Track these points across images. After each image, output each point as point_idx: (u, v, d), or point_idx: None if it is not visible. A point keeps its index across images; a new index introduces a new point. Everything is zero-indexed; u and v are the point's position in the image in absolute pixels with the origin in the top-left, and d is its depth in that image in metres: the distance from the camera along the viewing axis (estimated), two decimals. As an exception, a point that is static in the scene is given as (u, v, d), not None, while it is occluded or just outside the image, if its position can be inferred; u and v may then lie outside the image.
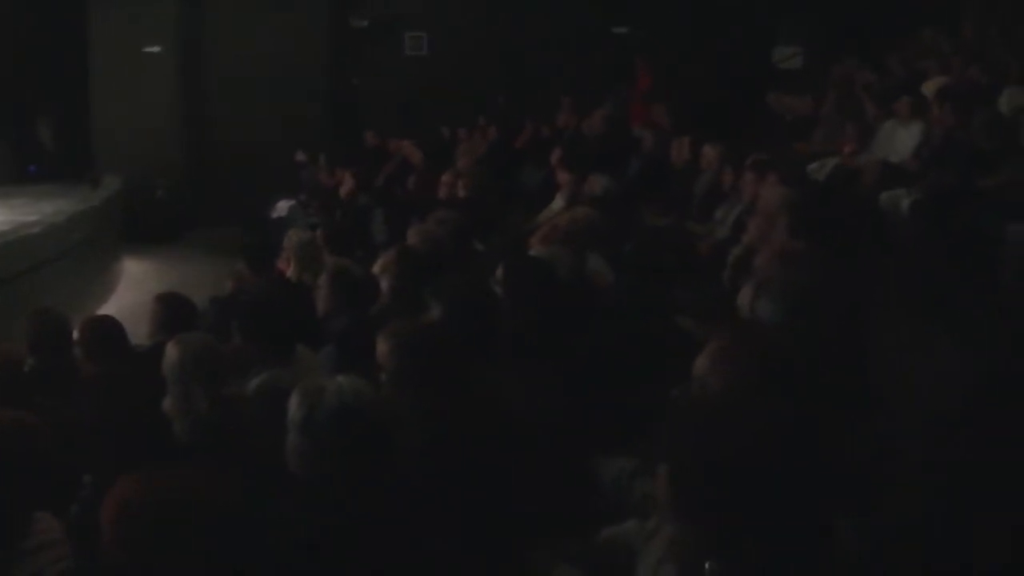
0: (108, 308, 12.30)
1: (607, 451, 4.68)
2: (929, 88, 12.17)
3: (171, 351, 5.26)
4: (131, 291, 13.93)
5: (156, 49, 18.20)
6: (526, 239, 8.18)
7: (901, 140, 10.97)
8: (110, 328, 6.66)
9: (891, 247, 8.36)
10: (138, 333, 7.04)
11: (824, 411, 3.22)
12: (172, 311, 6.76)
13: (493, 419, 4.39)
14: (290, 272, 8.66)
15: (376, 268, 6.89)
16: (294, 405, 3.82)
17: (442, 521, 3.79)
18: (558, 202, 10.20)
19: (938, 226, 8.72)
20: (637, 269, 7.34)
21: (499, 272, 5.92)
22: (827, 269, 4.93)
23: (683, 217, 9.86)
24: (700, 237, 8.91)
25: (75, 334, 6.63)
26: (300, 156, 16.57)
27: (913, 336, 5.21)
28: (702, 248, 8.47)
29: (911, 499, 3.56)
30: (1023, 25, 13.54)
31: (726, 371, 3.17)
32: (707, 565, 2.66)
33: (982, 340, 5.67)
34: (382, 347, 4.55)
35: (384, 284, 6.71)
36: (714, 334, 3.42)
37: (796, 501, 2.70)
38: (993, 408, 4.52)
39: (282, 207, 14.80)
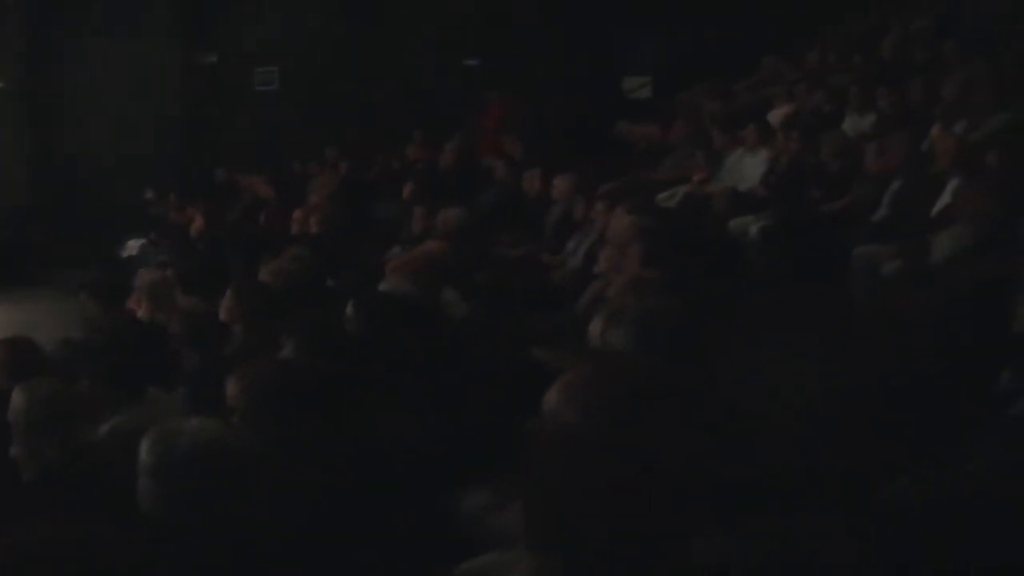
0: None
1: (465, 484, 4.66)
2: (775, 116, 12.40)
3: (17, 397, 5.14)
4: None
5: (1, 85, 17.87)
6: (380, 274, 8.15)
7: (749, 167, 11.14)
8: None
9: (742, 272, 8.48)
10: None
11: (679, 436, 3.24)
12: (17, 356, 6.60)
13: (348, 455, 4.35)
14: (142, 312, 8.52)
15: (221, 308, 6.82)
16: (145, 449, 3.74)
17: (305, 559, 3.75)
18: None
19: (786, 251, 8.87)
20: (490, 301, 7.35)
21: (349, 308, 5.88)
22: (679, 297, 4.97)
23: (536, 248, 9.90)
24: (552, 267, 8.96)
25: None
26: (150, 194, 16.36)
27: (765, 358, 5.27)
28: (555, 278, 8.51)
29: (775, 513, 3.59)
30: (861, 52, 13.83)
31: (578, 404, 3.16)
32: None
33: (833, 359, 5.76)
34: (232, 388, 4.49)
35: (232, 323, 6.64)
36: (564, 366, 3.42)
37: (655, 528, 2.71)
38: (846, 421, 4.60)
39: (133, 246, 14.59)
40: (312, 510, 4.03)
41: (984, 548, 3.41)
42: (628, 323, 4.10)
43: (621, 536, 2.65)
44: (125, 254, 14.42)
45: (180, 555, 3.57)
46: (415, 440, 4.88)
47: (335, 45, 18.41)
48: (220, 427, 3.78)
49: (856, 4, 16.37)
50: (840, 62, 14.21)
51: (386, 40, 18.13)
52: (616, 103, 16.78)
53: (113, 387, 5.63)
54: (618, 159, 13.08)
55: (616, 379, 3.27)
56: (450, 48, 18.35)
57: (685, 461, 3.03)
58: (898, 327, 7.05)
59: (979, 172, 8.28)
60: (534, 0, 17.96)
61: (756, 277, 8.48)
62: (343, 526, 4.09)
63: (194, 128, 18.68)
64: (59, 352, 8.24)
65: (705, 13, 17.00)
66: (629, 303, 4.49)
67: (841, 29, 15.81)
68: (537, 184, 11.31)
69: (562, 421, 3.19)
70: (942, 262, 7.40)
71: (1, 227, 17.51)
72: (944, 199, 8.35)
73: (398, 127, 16.42)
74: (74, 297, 12.52)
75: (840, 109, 12.09)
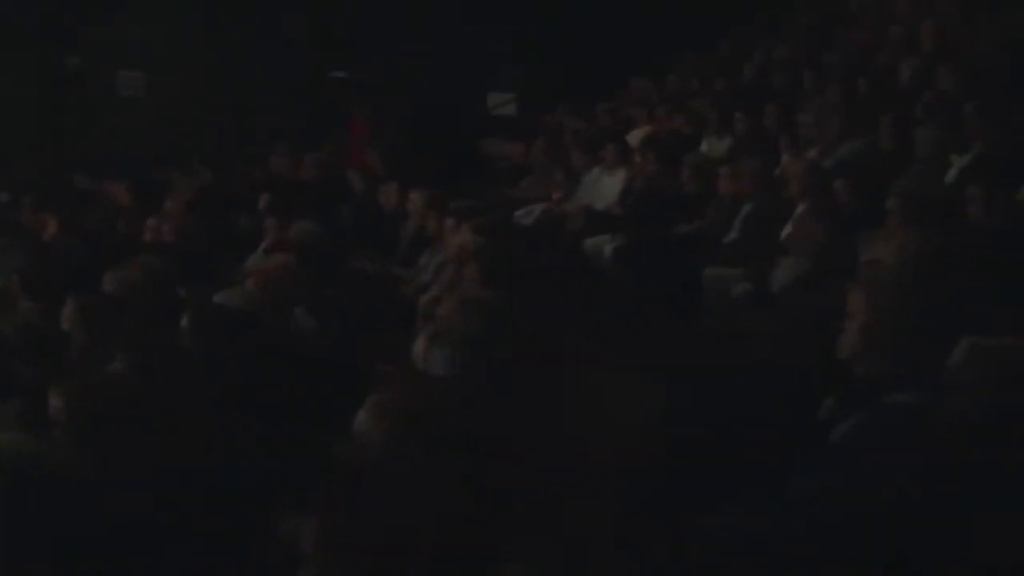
0: None
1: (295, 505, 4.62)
2: (635, 136, 12.52)
3: None
4: None
5: None
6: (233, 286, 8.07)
7: (606, 187, 11.23)
8: None
9: (594, 292, 8.53)
10: None
11: (482, 462, 3.24)
12: None
13: (170, 474, 4.30)
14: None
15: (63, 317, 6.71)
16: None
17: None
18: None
19: (639, 271, 8.93)
20: (341, 316, 7.31)
21: (185, 321, 5.81)
22: (510, 318, 4.97)
23: (390, 263, 9.88)
24: (405, 283, 8.95)
25: None
26: (3, 197, 16.04)
27: (614, 379, 5.29)
28: (406, 294, 8.49)
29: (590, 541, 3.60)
30: (722, 78, 14.00)
31: (384, 426, 3.15)
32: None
33: (683, 380, 5.81)
34: (54, 401, 4.41)
35: (73, 333, 6.53)
36: (375, 387, 3.41)
37: (460, 554, 2.71)
38: (692, 441, 4.65)
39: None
40: (128, 528, 3.98)
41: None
42: (450, 344, 4.10)
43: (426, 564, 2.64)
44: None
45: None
46: (250, 458, 4.83)
47: (201, 52, 18.21)
48: (30, 442, 3.72)
49: (722, 31, 16.55)
50: (702, 86, 14.38)
51: (253, 50, 17.99)
52: (481, 120, 16.82)
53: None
54: (481, 176, 13.12)
55: (422, 403, 3.26)
56: (318, 59, 18.26)
57: (490, 489, 3.03)
58: (740, 351, 7.15)
59: (819, 201, 8.43)
60: (402, 13, 17.91)
61: (608, 296, 8.54)
62: (162, 544, 4.04)
63: (55, 132, 18.37)
64: None
65: (574, 33, 17.08)
66: (455, 323, 4.49)
67: (706, 55, 15.99)
68: (394, 199, 11.30)
69: (369, 443, 3.18)
70: (781, 289, 7.53)
71: None
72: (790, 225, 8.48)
73: (263, 137, 16.28)
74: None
75: (699, 132, 12.23)
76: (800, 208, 8.48)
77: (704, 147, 11.76)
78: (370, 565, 2.66)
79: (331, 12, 17.99)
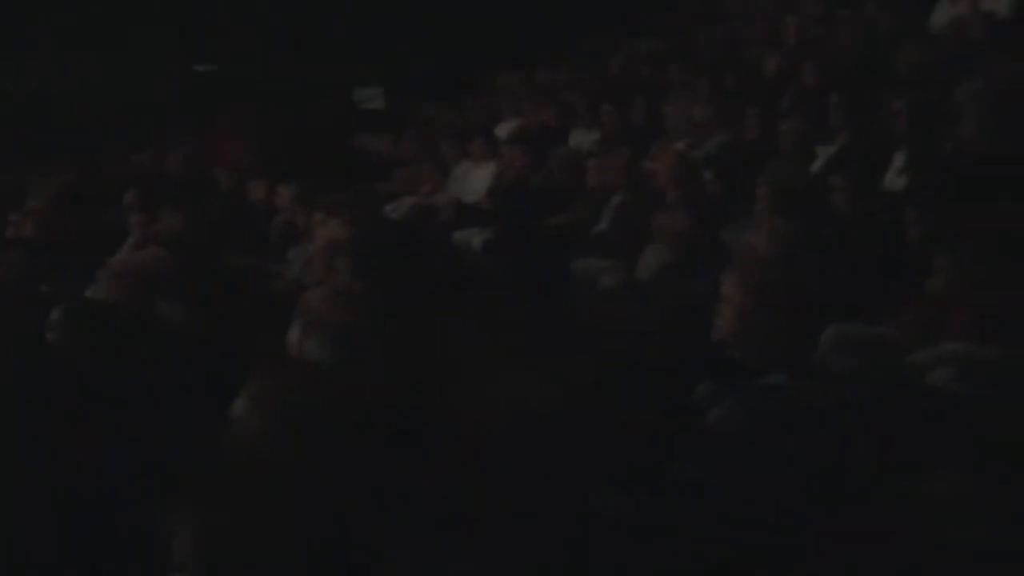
0: None
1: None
2: (503, 130, 12.56)
3: None
4: None
5: None
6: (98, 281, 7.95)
7: (475, 180, 11.25)
8: None
9: (464, 284, 8.54)
10: None
11: (367, 450, 3.22)
12: None
13: (36, 473, 4.22)
14: None
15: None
16: None
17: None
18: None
19: (509, 263, 8.97)
20: (211, 311, 7.23)
21: (51, 318, 5.69)
22: (383, 309, 4.96)
23: (260, 258, 9.79)
24: (275, 277, 8.86)
25: None
26: None
27: (488, 368, 5.31)
28: (277, 288, 8.41)
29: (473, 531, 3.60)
30: (590, 71, 14.09)
31: (262, 413, 3.13)
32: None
33: (555, 368, 5.84)
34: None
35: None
36: (251, 377, 3.38)
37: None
38: (554, 434, 4.68)
39: None
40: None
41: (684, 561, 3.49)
42: (325, 334, 4.08)
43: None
44: None
45: None
46: (116, 456, 4.75)
47: (66, 49, 17.92)
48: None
49: (591, 26, 16.65)
50: (570, 80, 14.45)
51: (121, 41, 17.74)
52: (350, 114, 16.76)
53: None
54: (351, 170, 13.06)
55: (300, 389, 3.24)
56: (185, 52, 18.06)
57: (374, 477, 3.01)
58: (611, 341, 7.20)
59: (687, 191, 8.53)
60: (269, 8, 17.79)
61: (478, 288, 8.55)
62: (36, 545, 3.98)
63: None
64: None
65: (442, 27, 17.10)
66: (330, 313, 4.48)
67: (576, 49, 16.08)
68: (262, 194, 11.23)
69: (248, 430, 3.15)
70: (650, 278, 7.59)
71: None
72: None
73: (130, 132, 16.07)
74: None
75: (567, 126, 12.29)
76: (669, 199, 8.56)
77: (573, 140, 11.82)
78: (252, 562, 2.63)
79: (197, 6, 17.79)
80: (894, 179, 8.11)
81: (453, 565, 3.21)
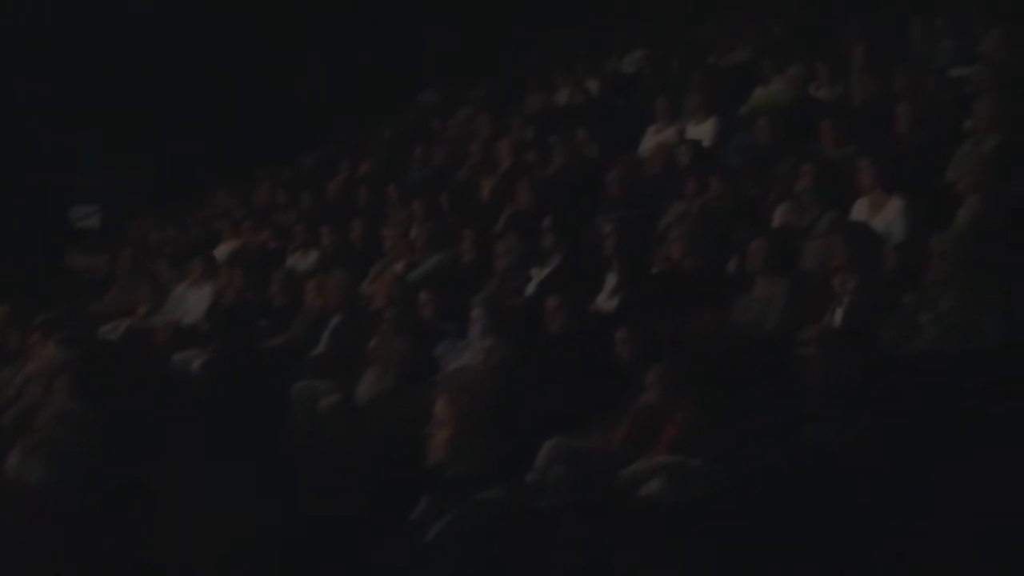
0: None
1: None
2: (221, 251, 12.53)
3: None
4: None
5: None
6: None
7: (194, 301, 11.17)
8: None
9: (181, 405, 8.50)
10: None
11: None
12: None
13: None
14: None
15: None
16: None
17: None
18: None
19: (227, 385, 8.96)
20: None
21: None
22: (103, 429, 4.93)
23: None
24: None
25: None
26: None
27: (204, 487, 5.30)
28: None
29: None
30: (308, 192, 14.10)
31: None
32: None
33: (269, 493, 5.88)
34: None
35: None
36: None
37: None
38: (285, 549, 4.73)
39: None
40: None
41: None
42: (45, 457, 4.05)
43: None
44: None
45: None
46: None
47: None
48: None
49: (308, 144, 16.73)
50: (288, 200, 14.44)
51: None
52: (64, 232, 16.48)
53: None
54: (63, 289, 12.85)
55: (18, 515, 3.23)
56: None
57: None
58: (330, 461, 7.28)
59: (402, 313, 8.67)
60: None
61: (196, 411, 8.51)
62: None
63: None
64: None
65: (159, 142, 16.97)
66: (49, 435, 4.44)
67: (291, 168, 16.10)
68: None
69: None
70: (367, 399, 7.72)
71: None
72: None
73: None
74: None
75: (285, 246, 12.31)
76: (385, 320, 8.69)
77: (291, 261, 11.84)
78: None
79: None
80: (606, 300, 8.35)
81: None
